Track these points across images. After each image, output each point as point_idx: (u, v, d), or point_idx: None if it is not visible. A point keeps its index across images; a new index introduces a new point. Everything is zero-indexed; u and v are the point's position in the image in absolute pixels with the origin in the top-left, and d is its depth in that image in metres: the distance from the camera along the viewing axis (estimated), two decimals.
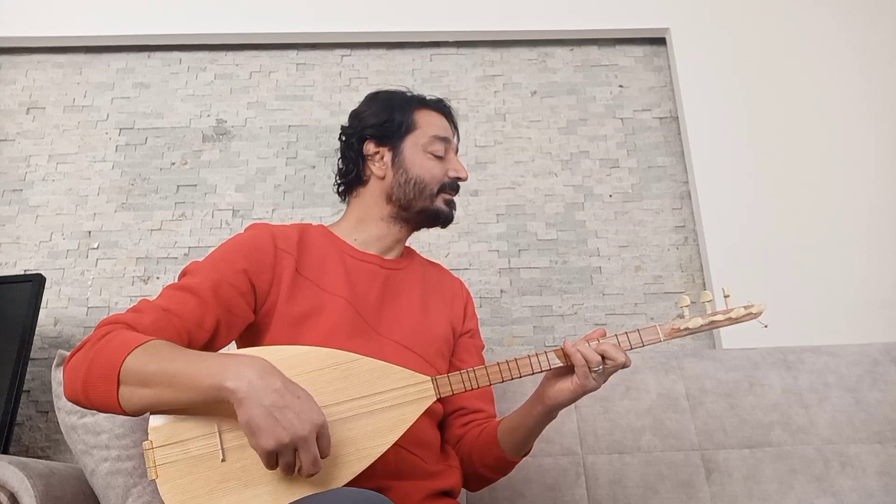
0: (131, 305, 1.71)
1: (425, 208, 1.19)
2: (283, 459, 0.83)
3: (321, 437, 0.84)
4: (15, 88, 2.24)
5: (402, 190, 1.18)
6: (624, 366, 0.98)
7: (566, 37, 2.33)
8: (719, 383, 1.55)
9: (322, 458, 0.85)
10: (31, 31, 2.23)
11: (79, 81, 2.26)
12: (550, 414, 1.05)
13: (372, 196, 1.21)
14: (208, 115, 2.23)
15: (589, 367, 0.97)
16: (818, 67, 2.25)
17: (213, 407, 0.88)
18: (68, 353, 1.23)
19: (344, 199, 1.27)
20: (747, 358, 1.60)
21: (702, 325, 1.02)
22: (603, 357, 0.98)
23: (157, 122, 2.22)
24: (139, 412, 0.90)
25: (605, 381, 1.00)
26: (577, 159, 2.20)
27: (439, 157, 1.20)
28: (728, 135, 2.16)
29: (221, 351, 1.00)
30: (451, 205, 1.22)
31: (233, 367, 0.84)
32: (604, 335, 1.01)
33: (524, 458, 1.14)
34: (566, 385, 1.00)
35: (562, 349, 1.00)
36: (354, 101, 2.26)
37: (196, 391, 0.86)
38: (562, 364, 1.00)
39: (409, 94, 1.26)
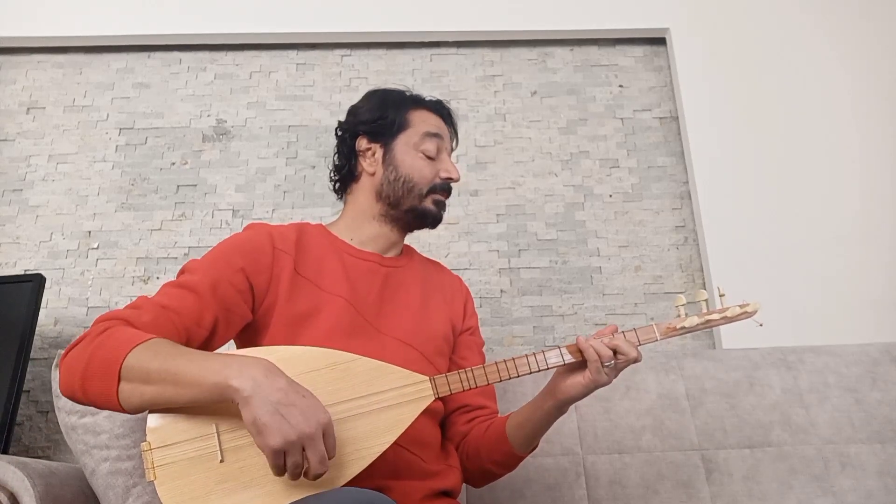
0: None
1: (413, 207, 1.19)
2: (290, 459, 0.82)
3: (327, 436, 0.84)
4: (15, 88, 2.25)
5: (391, 187, 1.18)
6: (636, 360, 1.00)
7: (566, 37, 2.33)
8: (719, 383, 1.55)
9: (329, 458, 0.84)
10: (31, 31, 2.23)
11: (79, 81, 2.26)
12: (561, 408, 1.06)
13: (363, 193, 1.21)
14: (208, 115, 2.23)
15: (601, 362, 0.98)
16: (818, 67, 2.25)
17: (212, 407, 0.88)
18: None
19: (340, 197, 1.27)
20: (747, 358, 1.60)
21: (697, 324, 1.04)
22: (615, 352, 0.99)
23: (157, 122, 2.22)
24: (138, 410, 0.89)
25: (615, 377, 1.02)
26: (577, 159, 2.20)
27: (430, 158, 1.20)
28: (728, 135, 2.16)
29: (219, 350, 1.00)
30: (440, 206, 1.22)
31: (237, 366, 0.84)
32: (616, 330, 1.02)
33: (529, 454, 1.14)
34: (578, 380, 1.01)
35: (575, 345, 1.01)
36: (354, 101, 2.25)
37: (199, 389, 0.85)
38: (574, 360, 1.01)
39: (407, 93, 1.26)
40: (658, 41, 2.35)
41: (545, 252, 2.09)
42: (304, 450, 0.82)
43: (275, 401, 0.81)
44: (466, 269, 2.06)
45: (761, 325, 1.09)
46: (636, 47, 2.35)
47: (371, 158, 1.20)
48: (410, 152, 1.19)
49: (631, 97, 2.28)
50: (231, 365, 0.85)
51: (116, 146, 2.18)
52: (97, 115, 2.22)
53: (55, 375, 1.23)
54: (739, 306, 1.05)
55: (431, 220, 1.21)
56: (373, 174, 1.20)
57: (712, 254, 2.02)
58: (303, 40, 2.31)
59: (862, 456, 1.47)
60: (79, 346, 0.92)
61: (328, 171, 1.30)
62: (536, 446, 1.14)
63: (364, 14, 2.28)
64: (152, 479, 0.87)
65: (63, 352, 0.95)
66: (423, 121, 1.22)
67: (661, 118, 2.26)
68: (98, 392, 0.89)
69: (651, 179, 2.18)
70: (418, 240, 1.97)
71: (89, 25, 2.24)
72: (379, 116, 1.20)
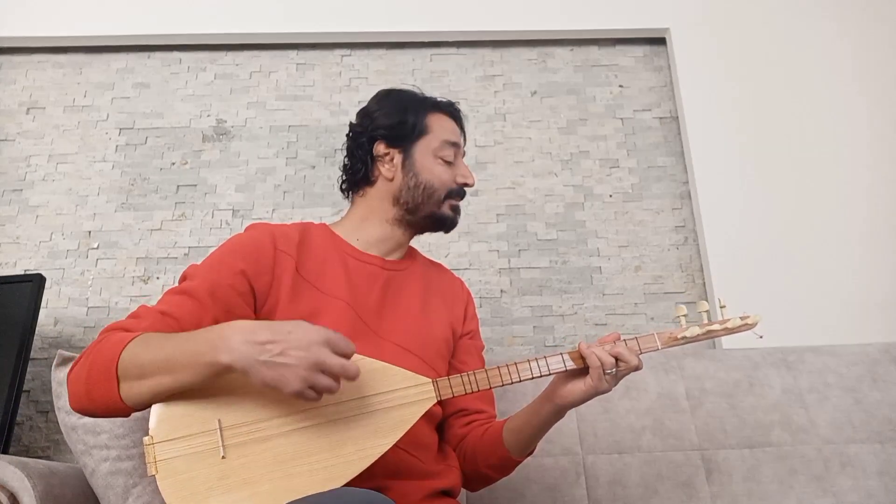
0: (131, 305, 1.71)
1: (432, 213, 1.19)
2: (320, 385, 0.84)
3: (333, 344, 0.85)
4: (15, 88, 2.24)
5: (410, 193, 1.18)
6: (636, 368, 1.01)
7: (566, 37, 2.33)
8: (719, 383, 1.55)
9: (348, 357, 0.86)
10: (31, 31, 2.23)
11: (79, 81, 2.26)
12: (559, 413, 1.06)
13: (379, 197, 1.21)
14: (208, 115, 2.23)
15: (603, 370, 0.99)
16: (818, 67, 2.25)
17: (215, 402, 0.89)
18: (68, 354, 1.24)
19: (347, 197, 1.26)
20: (747, 358, 1.60)
21: (698, 335, 1.06)
22: (616, 360, 1.00)
23: (157, 122, 2.22)
24: (144, 405, 0.90)
25: (616, 384, 1.02)
26: (577, 159, 2.20)
27: (448, 163, 1.20)
28: (728, 135, 2.16)
29: None
30: (456, 210, 1.23)
31: (220, 341, 0.85)
32: (618, 338, 1.03)
33: (525, 459, 1.15)
34: (579, 386, 1.01)
35: (577, 351, 1.02)
36: (354, 101, 2.23)
37: (194, 372, 0.86)
38: (576, 367, 1.02)
39: (421, 95, 1.25)
40: (658, 41, 2.35)
41: (545, 252, 2.09)
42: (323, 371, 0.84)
43: (266, 358, 0.83)
44: (466, 269, 2.06)
45: (761, 337, 1.11)
46: (636, 47, 2.35)
47: (389, 164, 1.19)
48: (430, 158, 1.19)
49: (631, 97, 2.28)
50: (214, 340, 0.86)
51: (116, 146, 2.18)
52: (97, 115, 2.22)
53: (55, 375, 1.23)
54: (740, 318, 1.07)
55: (449, 225, 1.22)
56: (391, 179, 1.19)
57: (712, 254, 2.02)
58: (303, 40, 2.30)
59: (862, 456, 1.47)
60: (80, 360, 0.93)
61: (331, 171, 1.29)
62: (533, 451, 1.14)
63: (364, 14, 2.28)
64: (154, 473, 0.87)
65: (69, 366, 0.97)
66: (441, 126, 1.21)
67: (661, 118, 2.26)
68: (103, 397, 0.89)
69: (651, 179, 2.18)
70: (419, 239, 1.96)
71: (89, 25, 2.24)
72: (398, 121, 1.19)
